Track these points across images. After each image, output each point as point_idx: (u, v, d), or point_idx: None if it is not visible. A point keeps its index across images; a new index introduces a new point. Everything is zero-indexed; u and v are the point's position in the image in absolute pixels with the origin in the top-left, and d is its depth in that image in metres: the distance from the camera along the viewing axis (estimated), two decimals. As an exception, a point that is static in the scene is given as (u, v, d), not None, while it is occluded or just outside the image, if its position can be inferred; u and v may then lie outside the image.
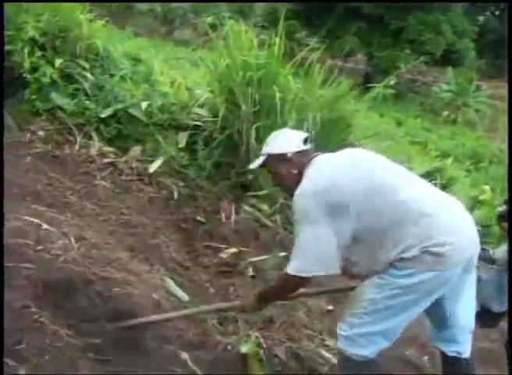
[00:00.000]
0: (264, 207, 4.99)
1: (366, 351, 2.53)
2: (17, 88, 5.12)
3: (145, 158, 5.07)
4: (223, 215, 4.78)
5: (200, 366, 2.84)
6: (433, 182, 6.36)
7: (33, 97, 5.08)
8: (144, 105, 5.24)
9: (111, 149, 5.05)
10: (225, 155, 5.10)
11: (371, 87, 6.16)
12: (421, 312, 2.57)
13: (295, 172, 2.63)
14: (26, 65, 5.04)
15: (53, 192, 4.12)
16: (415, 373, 3.49)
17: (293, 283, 2.61)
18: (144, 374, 2.64)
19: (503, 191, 6.19)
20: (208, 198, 4.89)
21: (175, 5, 23.83)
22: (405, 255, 2.38)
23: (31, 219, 3.34)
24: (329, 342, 3.42)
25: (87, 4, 5.95)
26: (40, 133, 4.92)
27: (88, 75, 5.38)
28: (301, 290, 2.83)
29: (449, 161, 9.07)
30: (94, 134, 5.08)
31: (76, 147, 4.90)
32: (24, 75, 5.05)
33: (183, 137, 5.22)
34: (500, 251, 3.98)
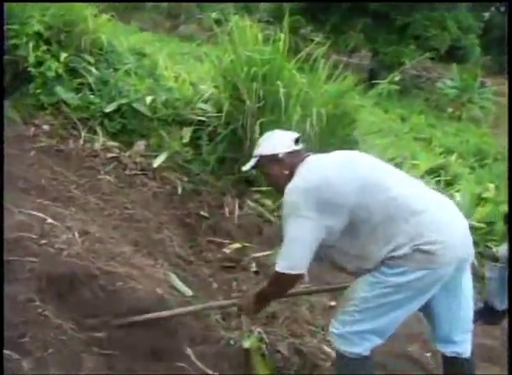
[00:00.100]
0: (268, 202, 5.00)
1: (359, 348, 2.53)
2: (22, 82, 5.14)
3: (149, 153, 5.08)
4: (227, 210, 4.79)
5: (203, 360, 2.84)
6: (437, 179, 6.37)
7: (38, 91, 5.09)
8: (149, 99, 5.26)
9: (115, 144, 5.07)
10: (229, 151, 5.10)
11: (375, 83, 6.15)
12: (416, 310, 2.56)
13: (286, 172, 2.63)
14: (31, 59, 5.05)
15: (57, 186, 4.13)
16: (418, 369, 3.49)
17: (285, 280, 2.58)
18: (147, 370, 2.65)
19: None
20: (211, 193, 4.90)
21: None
22: (396, 254, 2.37)
23: (35, 213, 3.35)
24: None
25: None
26: (45, 127, 4.94)
27: (93, 69, 5.40)
28: (301, 288, 2.81)
29: (454, 157, 9.07)
30: (98, 129, 5.10)
31: (81, 141, 4.92)
32: (29, 69, 5.07)
33: (187, 132, 5.23)
34: (503, 249, 3.99)
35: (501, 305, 4.05)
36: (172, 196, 4.75)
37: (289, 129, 4.67)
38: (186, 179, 4.95)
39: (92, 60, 5.48)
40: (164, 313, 2.94)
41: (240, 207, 4.85)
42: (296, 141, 2.72)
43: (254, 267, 4.16)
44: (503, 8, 32.65)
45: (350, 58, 24.28)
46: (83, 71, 5.35)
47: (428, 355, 3.52)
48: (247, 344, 3.06)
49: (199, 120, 5.30)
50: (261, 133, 4.67)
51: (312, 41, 6.08)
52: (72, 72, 5.33)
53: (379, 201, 2.43)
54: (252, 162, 2.77)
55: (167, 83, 5.80)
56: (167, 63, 6.48)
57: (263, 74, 4.97)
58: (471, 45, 25.90)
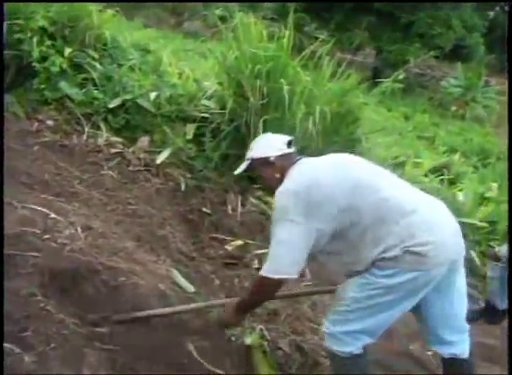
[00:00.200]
0: (271, 200, 4.98)
1: (351, 347, 2.53)
2: (26, 77, 5.14)
3: (153, 149, 5.09)
4: (229, 207, 4.80)
5: (204, 357, 2.85)
6: (440, 177, 6.36)
7: (42, 86, 5.10)
8: (152, 95, 5.26)
9: (118, 139, 5.08)
10: (232, 147, 5.10)
11: (379, 81, 6.14)
12: (408, 310, 2.55)
13: (278, 175, 2.63)
14: (36, 54, 5.06)
15: (61, 182, 4.14)
16: (420, 368, 3.49)
17: (268, 285, 2.57)
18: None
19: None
20: (214, 189, 4.90)
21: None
22: (386, 255, 2.36)
23: (39, 208, 3.36)
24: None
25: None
26: (49, 122, 4.94)
27: (97, 65, 5.40)
28: (302, 288, 2.79)
29: (457, 156, 9.05)
30: (102, 124, 5.10)
31: (84, 137, 4.93)
32: (33, 64, 5.08)
33: (190, 129, 5.23)
34: (505, 249, 3.98)
35: (502, 304, 4.05)
36: (175, 192, 4.75)
37: (293, 126, 4.70)
38: (189, 175, 4.96)
39: (96, 56, 5.49)
40: (166, 310, 2.95)
41: (243, 204, 4.86)
42: (289, 144, 2.72)
43: (256, 264, 4.16)
44: (507, 8, 32.56)
45: (354, 56, 24.20)
46: (87, 66, 5.36)
47: (429, 353, 3.52)
48: (248, 340, 3.07)
49: (203, 117, 5.30)
50: (265, 131, 4.70)
51: (317, 38, 6.08)
52: (77, 67, 5.34)
53: (370, 203, 2.42)
54: (244, 165, 2.78)
55: (171, 79, 5.80)
56: (171, 59, 6.47)
57: (267, 71, 4.96)
58: (476, 44, 25.80)
